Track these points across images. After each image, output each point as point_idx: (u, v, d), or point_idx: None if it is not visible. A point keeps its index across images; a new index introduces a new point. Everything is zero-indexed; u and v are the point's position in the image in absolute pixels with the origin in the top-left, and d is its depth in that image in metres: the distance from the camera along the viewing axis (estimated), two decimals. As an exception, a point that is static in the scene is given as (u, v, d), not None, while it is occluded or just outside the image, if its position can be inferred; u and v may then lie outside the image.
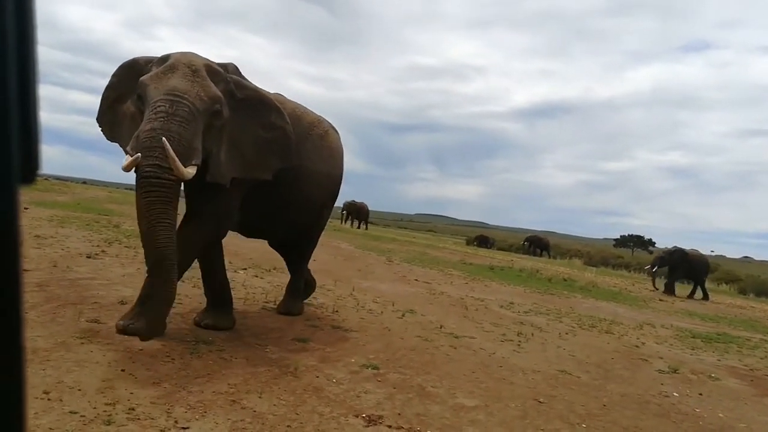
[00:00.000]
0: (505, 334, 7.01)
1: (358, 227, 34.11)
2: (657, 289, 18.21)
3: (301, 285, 6.45)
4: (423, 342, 5.86)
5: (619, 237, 67.97)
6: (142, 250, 8.87)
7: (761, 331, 11.53)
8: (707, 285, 18.84)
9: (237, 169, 4.67)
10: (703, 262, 18.74)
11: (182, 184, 4.18)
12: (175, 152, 3.83)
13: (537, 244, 40.61)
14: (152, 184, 3.88)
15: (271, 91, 5.53)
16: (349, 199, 35.11)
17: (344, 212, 35.30)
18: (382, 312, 7.21)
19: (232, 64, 4.93)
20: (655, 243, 64.56)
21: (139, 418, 2.97)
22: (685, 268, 18.16)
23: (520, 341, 6.67)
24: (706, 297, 17.92)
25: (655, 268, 18.81)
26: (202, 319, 5.09)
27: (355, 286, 9.01)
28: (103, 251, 8.28)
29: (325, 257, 12.89)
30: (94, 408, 3.00)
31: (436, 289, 10.50)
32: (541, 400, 4.45)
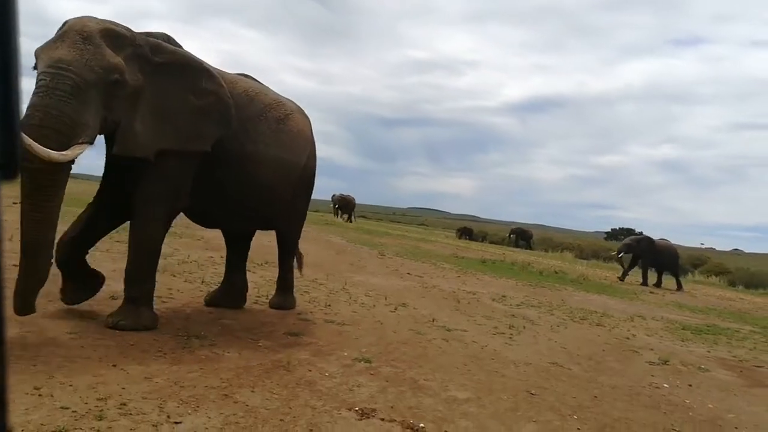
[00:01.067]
0: (497, 326, 7.04)
1: (347, 220, 34.84)
2: (639, 280, 18.37)
3: (290, 278, 6.31)
4: (415, 335, 5.87)
5: (610, 230, 68.41)
6: (133, 245, 8.77)
7: (750, 323, 11.65)
8: (700, 277, 19.02)
9: (167, 139, 4.39)
10: (671, 252, 18.68)
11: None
12: (55, 130, 3.58)
13: (522, 236, 41.74)
14: (22, 170, 3.66)
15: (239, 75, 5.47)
16: (337, 193, 35.93)
17: (335, 206, 35.81)
18: (374, 305, 7.21)
19: (163, 33, 4.68)
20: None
21: (131, 413, 2.96)
22: (651, 257, 18.16)
23: (511, 334, 6.70)
24: (679, 287, 17.97)
25: (621, 254, 18.91)
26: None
27: (347, 280, 9.01)
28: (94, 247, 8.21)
29: (318, 251, 12.88)
30: (86, 403, 2.98)
31: (428, 282, 10.52)
32: (533, 392, 4.48)
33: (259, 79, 5.85)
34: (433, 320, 6.79)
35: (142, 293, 4.59)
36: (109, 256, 7.70)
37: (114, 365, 3.63)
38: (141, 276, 4.60)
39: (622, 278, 18.09)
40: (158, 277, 6.66)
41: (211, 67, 4.95)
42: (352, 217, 36.29)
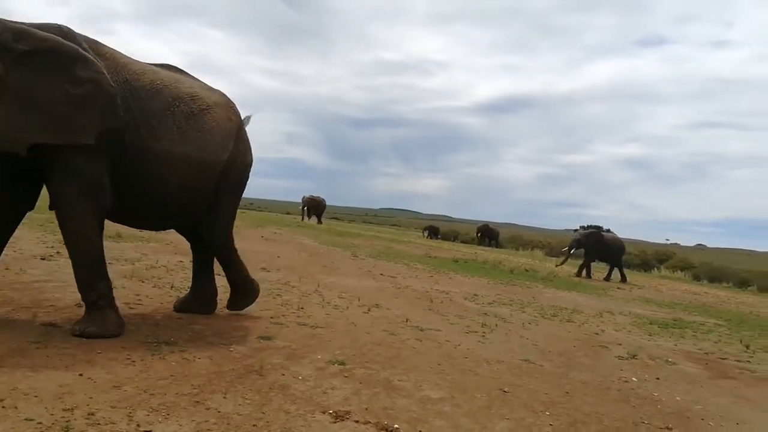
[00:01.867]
0: (470, 325, 7.10)
1: (318, 222, 34.74)
2: (577, 271, 18.75)
3: (239, 277, 5.93)
4: (389, 336, 5.88)
5: (578, 227, 69.58)
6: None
7: (714, 316, 11.99)
8: (666, 272, 19.48)
9: (39, 132, 4.13)
10: (618, 245, 19.23)
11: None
12: None
13: (489, 235, 42.61)
14: None
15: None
16: (307, 195, 35.65)
17: (304, 207, 35.53)
18: (347, 307, 7.20)
19: (57, 24, 4.43)
20: (613, 233, 66.34)
21: (99, 423, 2.89)
22: (599, 251, 18.62)
23: (484, 332, 6.76)
24: (623, 279, 18.50)
25: (573, 250, 19.31)
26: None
27: (320, 282, 8.97)
28: (57, 252, 8.01)
29: (290, 254, 12.80)
30: (52, 414, 2.90)
31: (401, 283, 10.55)
32: (506, 389, 4.52)
33: (191, 72, 5.53)
34: (407, 320, 6.80)
35: (99, 295, 4.45)
36: (75, 262, 7.53)
37: (80, 374, 3.54)
38: (89, 278, 4.46)
39: (584, 274, 18.46)
40: (126, 283, 6.59)
41: (123, 55, 4.76)
42: (321, 218, 36.25)
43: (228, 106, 5.59)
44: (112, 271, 7.13)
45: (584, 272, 18.48)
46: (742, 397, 5.32)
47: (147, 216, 5.28)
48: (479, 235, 43.44)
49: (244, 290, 6.01)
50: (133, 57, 5.02)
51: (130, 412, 3.07)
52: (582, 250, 19.07)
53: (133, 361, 3.93)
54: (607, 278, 18.49)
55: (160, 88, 4.87)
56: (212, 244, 5.73)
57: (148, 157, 4.70)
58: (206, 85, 5.64)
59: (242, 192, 6.00)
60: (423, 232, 44.69)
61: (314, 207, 35.53)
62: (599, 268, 19.64)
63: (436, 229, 45.59)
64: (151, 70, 4.99)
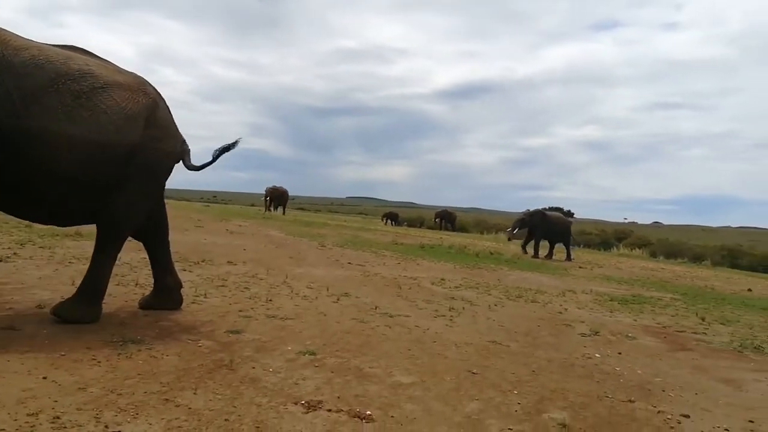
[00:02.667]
0: (438, 310, 7.19)
1: (282, 213, 34.17)
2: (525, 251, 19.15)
3: (92, 282, 4.99)
4: (359, 324, 5.91)
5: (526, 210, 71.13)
6: (58, 251, 8.43)
7: (671, 291, 12.44)
8: (625, 250, 20.03)
9: None
10: (562, 223, 19.57)
11: None
12: None
13: (447, 219, 43.62)
14: None
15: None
16: (270, 185, 34.91)
17: (266, 198, 34.71)
18: (316, 297, 7.20)
19: None
20: (573, 214, 68.06)
21: (65, 427, 2.84)
22: (543, 229, 18.90)
23: (452, 316, 6.87)
24: (568, 257, 18.94)
25: (516, 229, 19.57)
26: None
27: (288, 274, 8.93)
28: (15, 253, 7.77)
29: (256, 246, 12.68)
30: (15, 420, 2.84)
31: (369, 270, 10.59)
32: (475, 371, 4.62)
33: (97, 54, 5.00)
34: (376, 308, 6.85)
35: None
36: (33, 263, 7.31)
37: (44, 377, 3.46)
38: None
39: (529, 252, 18.90)
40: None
41: (7, 32, 4.41)
42: (285, 209, 35.74)
43: (137, 87, 5.03)
44: (73, 270, 6.98)
45: (532, 251, 18.81)
46: (699, 368, 5.56)
47: (38, 206, 4.78)
48: (438, 220, 44.59)
49: (89, 297, 4.96)
50: (32, 41, 4.54)
51: (98, 414, 3.02)
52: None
53: (99, 362, 3.86)
54: (549, 256, 18.87)
55: (43, 64, 4.40)
56: (108, 232, 5.11)
57: (27, 138, 4.28)
58: (115, 66, 5.13)
59: (156, 182, 5.36)
60: (383, 219, 45.43)
61: (277, 198, 34.95)
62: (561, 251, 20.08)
63: (395, 215, 46.21)
64: (37, 47, 4.53)
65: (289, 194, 36.46)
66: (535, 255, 18.55)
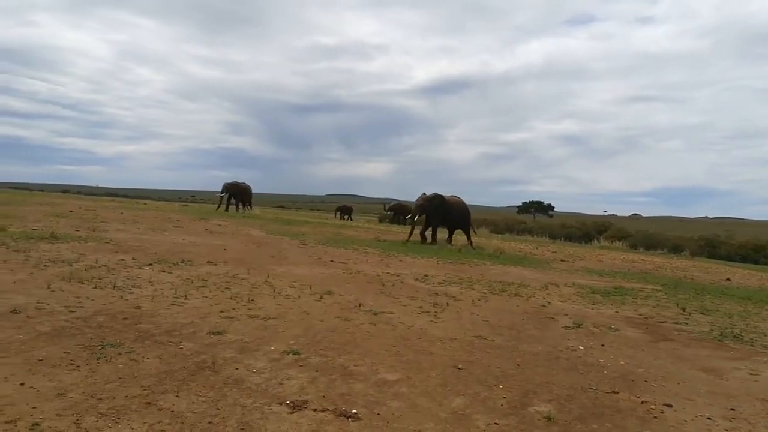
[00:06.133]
0: (422, 306, 7.19)
1: (243, 210, 30.13)
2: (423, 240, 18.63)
3: None
4: (343, 322, 5.88)
5: (521, 204, 71.73)
6: (33, 254, 8.22)
7: (652, 282, 12.61)
8: (605, 243, 20.21)
9: None
10: (460, 208, 19.01)
11: None
12: None
13: (398, 212, 43.20)
14: None
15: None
16: (230, 180, 30.04)
17: (223, 194, 29.66)
18: (299, 296, 7.14)
19: None
20: (554, 207, 68.73)
21: (44, 434, 2.76)
22: (441, 215, 18.45)
23: (436, 312, 6.87)
24: (470, 244, 18.69)
25: (417, 216, 18.77)
26: None
27: (269, 273, 8.85)
28: (-13, 258, 7.58)
29: (237, 245, 12.56)
30: (-9, 429, 2.75)
31: (352, 268, 10.55)
32: (460, 366, 4.62)
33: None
34: (360, 305, 6.82)
35: None
36: (8, 267, 7.13)
37: (22, 384, 3.38)
38: None
39: (431, 239, 18.50)
40: (64, 285, 6.30)
41: None
42: (249, 206, 31.11)
43: None
44: (48, 274, 6.83)
45: (429, 237, 18.49)
46: (681, 357, 5.63)
47: None
48: (390, 213, 43.67)
49: None
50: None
51: (78, 420, 2.95)
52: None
53: (78, 366, 3.77)
54: (448, 240, 18.87)
55: None
56: None
57: None
58: None
59: None
60: (335, 214, 44.13)
61: (239, 194, 30.46)
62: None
63: (348, 208, 45.15)
64: None
65: (270, 192, 34.69)
66: (433, 240, 18.26)
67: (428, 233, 18.86)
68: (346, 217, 42.93)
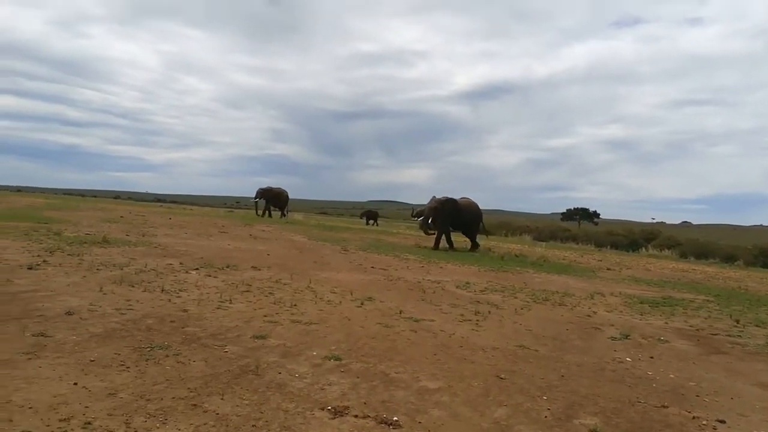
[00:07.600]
0: (463, 314, 7.12)
1: (281, 216, 30.38)
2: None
3: None
4: (384, 329, 5.88)
5: (565, 211, 70.37)
6: (86, 258, 8.54)
7: (703, 293, 12.14)
8: (653, 251, 19.58)
9: None
10: (472, 211, 18.92)
11: None
12: None
13: (370, 216, 43.32)
14: None
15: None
16: (264, 186, 30.14)
17: (257, 200, 29.88)
18: (340, 302, 7.19)
19: None
20: (600, 214, 67.13)
21: (96, 432, 2.86)
22: (454, 218, 18.32)
23: (478, 320, 6.79)
24: (475, 247, 18.60)
25: (430, 219, 18.51)
26: None
27: (311, 278, 8.95)
28: (44, 261, 7.93)
29: (280, 251, 12.75)
30: (48, 426, 2.87)
31: (393, 274, 10.55)
32: (502, 376, 4.55)
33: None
34: (400, 312, 6.81)
35: None
36: (62, 270, 7.44)
37: (75, 383, 3.51)
38: None
39: (446, 244, 18.56)
40: (115, 288, 6.53)
41: None
42: (286, 212, 31.23)
43: None
44: (101, 277, 7.09)
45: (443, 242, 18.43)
46: (734, 371, 5.40)
47: None
48: (364, 218, 43.86)
49: None
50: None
51: (128, 419, 3.05)
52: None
53: (128, 367, 3.90)
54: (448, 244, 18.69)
55: None
56: None
57: None
58: None
59: None
60: (364, 219, 44.11)
61: (273, 198, 29.98)
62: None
63: (374, 213, 44.88)
64: None
65: (312, 198, 35.38)
66: (439, 244, 18.23)
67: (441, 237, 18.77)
68: (371, 222, 42.89)
